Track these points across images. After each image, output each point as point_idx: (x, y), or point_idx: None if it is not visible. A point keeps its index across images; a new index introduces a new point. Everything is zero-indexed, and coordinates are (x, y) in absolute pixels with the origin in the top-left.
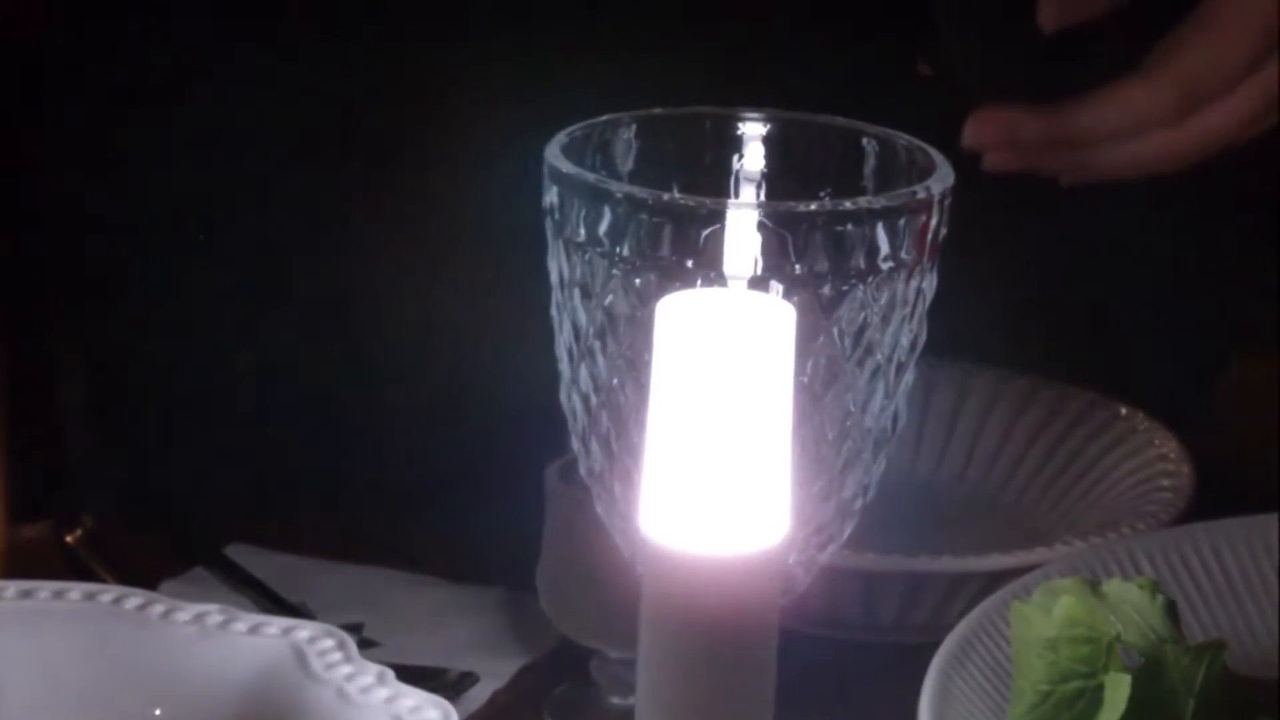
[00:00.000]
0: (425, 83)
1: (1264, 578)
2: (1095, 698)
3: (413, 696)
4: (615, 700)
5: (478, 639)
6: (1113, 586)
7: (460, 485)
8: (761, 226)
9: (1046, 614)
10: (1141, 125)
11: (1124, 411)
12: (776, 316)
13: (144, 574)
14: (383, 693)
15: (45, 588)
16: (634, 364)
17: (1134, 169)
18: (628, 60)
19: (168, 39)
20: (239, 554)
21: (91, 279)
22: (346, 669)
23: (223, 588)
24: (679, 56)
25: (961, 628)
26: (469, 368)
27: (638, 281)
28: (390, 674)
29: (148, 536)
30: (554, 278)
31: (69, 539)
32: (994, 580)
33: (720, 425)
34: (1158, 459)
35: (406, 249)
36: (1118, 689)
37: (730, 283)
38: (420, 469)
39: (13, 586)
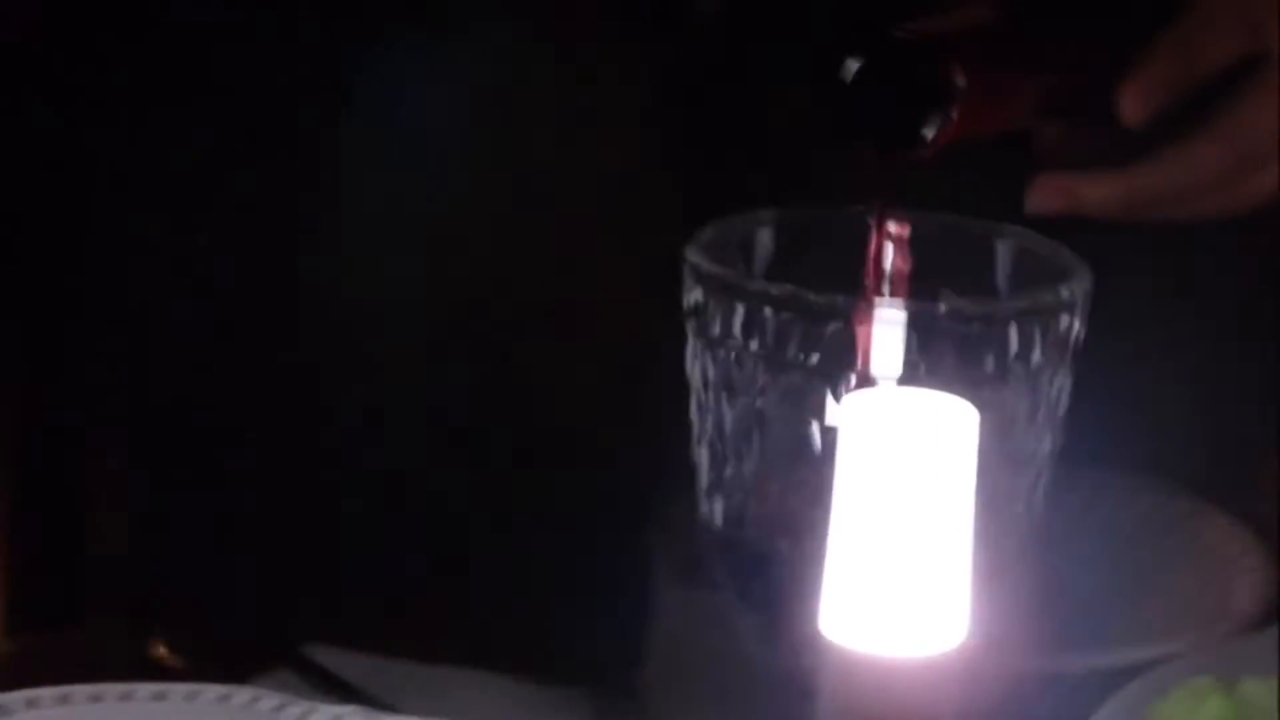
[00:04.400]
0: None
1: None
2: None
3: None
4: None
5: None
6: (1249, 687)
7: (547, 581)
8: (910, 326)
9: (1189, 715)
10: (1200, 187)
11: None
12: (960, 417)
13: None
14: None
15: (177, 690)
16: (778, 464)
17: (1189, 219)
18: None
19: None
20: (317, 654)
21: (138, 376)
22: None
23: (310, 691)
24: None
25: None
26: (556, 461)
27: (783, 380)
28: None
29: (221, 639)
30: (696, 379)
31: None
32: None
33: (905, 526)
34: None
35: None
36: None
37: (880, 384)
38: (502, 566)
39: (143, 689)
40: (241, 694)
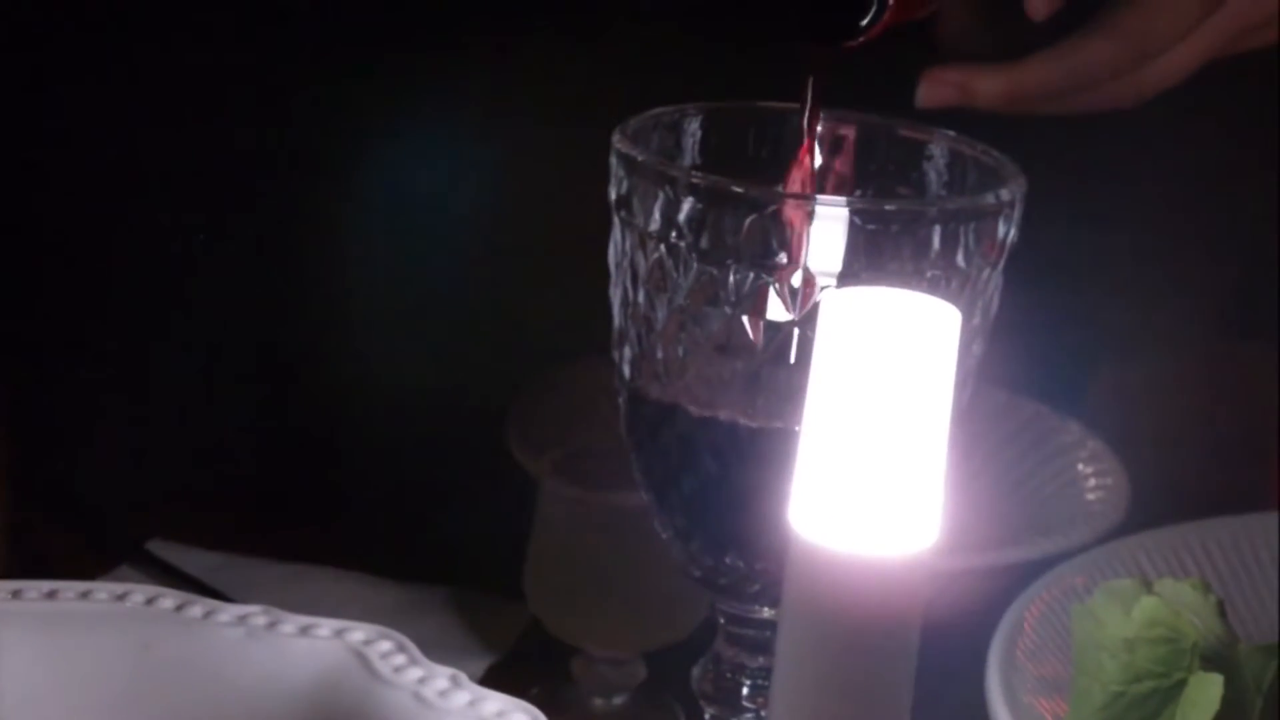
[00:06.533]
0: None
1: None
2: (1167, 697)
3: (496, 700)
4: (599, 701)
5: (433, 639)
6: (1165, 586)
7: (397, 482)
8: (851, 224)
9: (1121, 615)
10: (1093, 80)
11: (1063, 423)
12: (940, 318)
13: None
14: (463, 696)
15: (69, 588)
16: (711, 356)
17: (1080, 113)
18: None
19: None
20: (161, 550)
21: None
22: (417, 672)
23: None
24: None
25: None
26: (389, 356)
27: (715, 273)
28: (464, 676)
29: (65, 535)
30: (623, 270)
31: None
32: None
33: (883, 425)
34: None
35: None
36: (1207, 689)
37: (818, 279)
38: (354, 464)
39: (34, 587)
40: (137, 593)
